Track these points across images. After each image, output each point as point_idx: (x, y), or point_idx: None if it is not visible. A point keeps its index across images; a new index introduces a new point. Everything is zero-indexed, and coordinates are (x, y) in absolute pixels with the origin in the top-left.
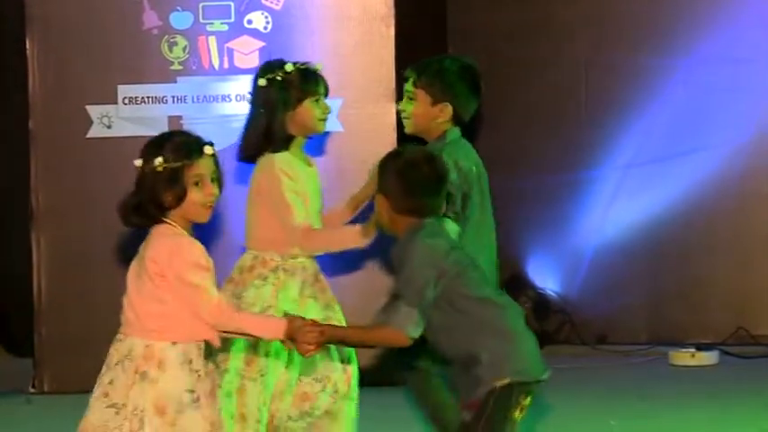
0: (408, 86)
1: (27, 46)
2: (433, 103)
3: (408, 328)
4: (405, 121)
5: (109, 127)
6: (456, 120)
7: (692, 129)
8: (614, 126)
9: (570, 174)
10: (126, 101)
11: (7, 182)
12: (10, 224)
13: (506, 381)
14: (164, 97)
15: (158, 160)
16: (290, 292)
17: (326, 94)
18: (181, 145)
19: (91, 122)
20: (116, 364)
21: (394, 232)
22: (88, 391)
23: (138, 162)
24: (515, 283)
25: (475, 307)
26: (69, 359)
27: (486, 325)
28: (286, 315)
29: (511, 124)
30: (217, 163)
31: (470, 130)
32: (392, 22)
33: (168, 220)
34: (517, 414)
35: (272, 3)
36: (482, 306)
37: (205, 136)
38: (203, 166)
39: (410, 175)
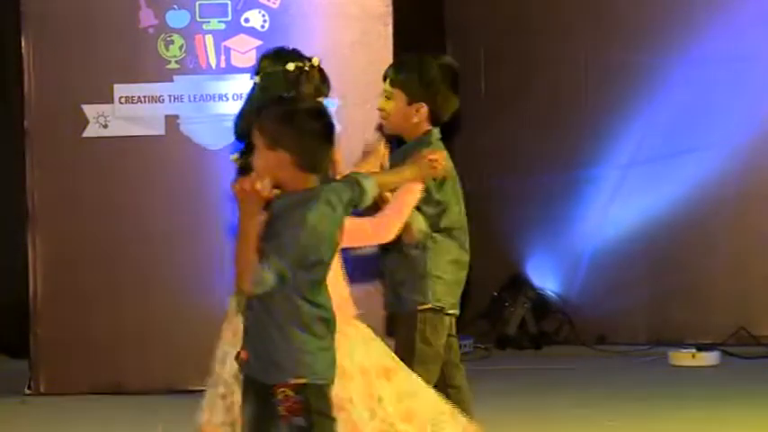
0: (386, 85)
1: (22, 44)
2: (408, 103)
3: (255, 284)
4: (383, 121)
5: (105, 126)
6: (433, 120)
7: (692, 128)
8: (614, 125)
9: (569, 173)
10: (122, 100)
11: (2, 181)
12: (5, 224)
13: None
14: (160, 96)
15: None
16: None
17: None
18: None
19: (87, 122)
20: None
21: (284, 189)
22: (84, 392)
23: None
24: (515, 283)
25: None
26: (65, 360)
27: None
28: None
29: (510, 123)
30: None
31: (469, 128)
32: (390, 20)
33: None
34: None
35: (269, 1)
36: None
37: (203, 135)
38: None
39: (316, 127)
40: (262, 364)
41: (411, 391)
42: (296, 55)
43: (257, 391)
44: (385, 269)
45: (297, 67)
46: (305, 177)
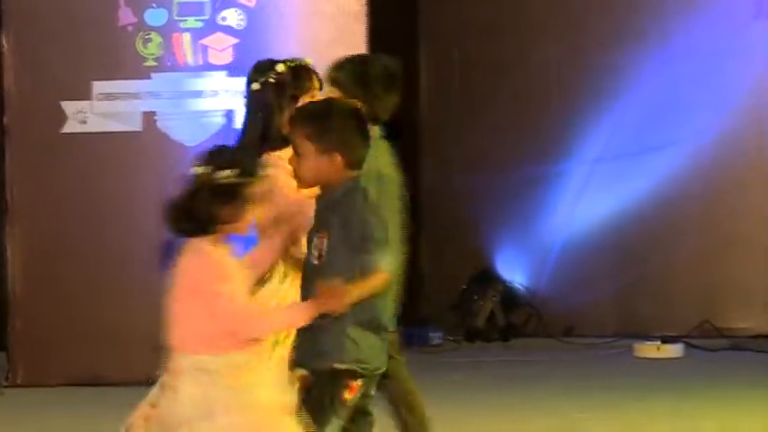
0: (325, 87)
1: (2, 41)
2: None
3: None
4: None
5: (84, 123)
6: (372, 118)
7: (659, 125)
8: (582, 121)
9: (538, 168)
10: (100, 97)
11: None
12: None
13: (346, 366)
14: (138, 93)
15: (224, 173)
16: None
17: (321, 88)
18: (244, 162)
19: (66, 118)
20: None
21: (326, 186)
22: (62, 384)
23: (198, 170)
24: (484, 277)
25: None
26: (43, 353)
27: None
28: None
29: (481, 120)
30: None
31: (441, 125)
32: (364, 18)
33: (209, 234)
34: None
35: (246, 0)
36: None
37: (179, 132)
38: (260, 186)
39: (362, 127)
40: None
41: None
42: (266, 67)
43: None
44: None
45: (261, 84)
46: (348, 176)
